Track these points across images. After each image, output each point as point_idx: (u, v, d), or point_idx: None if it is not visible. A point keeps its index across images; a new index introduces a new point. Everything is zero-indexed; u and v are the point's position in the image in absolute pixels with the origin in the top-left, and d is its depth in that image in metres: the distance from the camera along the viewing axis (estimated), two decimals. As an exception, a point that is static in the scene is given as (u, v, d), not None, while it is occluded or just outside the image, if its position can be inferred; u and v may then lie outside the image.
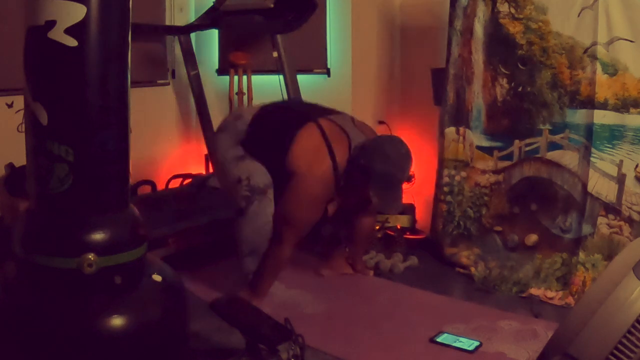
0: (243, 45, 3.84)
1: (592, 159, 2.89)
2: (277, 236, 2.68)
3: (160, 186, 3.75)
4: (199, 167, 4.00)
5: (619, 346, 1.38)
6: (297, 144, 2.67)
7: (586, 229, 2.90)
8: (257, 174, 2.72)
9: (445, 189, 3.36)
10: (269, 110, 2.87)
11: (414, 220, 3.78)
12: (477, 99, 3.27)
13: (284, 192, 2.67)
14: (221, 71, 3.98)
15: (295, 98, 3.51)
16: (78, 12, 1.79)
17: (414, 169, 3.96)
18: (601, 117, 2.87)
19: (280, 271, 2.79)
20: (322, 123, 2.73)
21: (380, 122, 4.38)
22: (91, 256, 1.85)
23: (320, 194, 2.67)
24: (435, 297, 2.90)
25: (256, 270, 2.74)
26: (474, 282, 3.06)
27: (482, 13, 3.21)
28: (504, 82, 3.18)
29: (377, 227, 3.58)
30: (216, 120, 3.85)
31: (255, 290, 2.74)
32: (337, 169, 2.65)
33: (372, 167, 2.60)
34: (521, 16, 3.09)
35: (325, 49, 3.93)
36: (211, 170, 3.89)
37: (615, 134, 2.86)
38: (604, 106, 2.87)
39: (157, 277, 2.02)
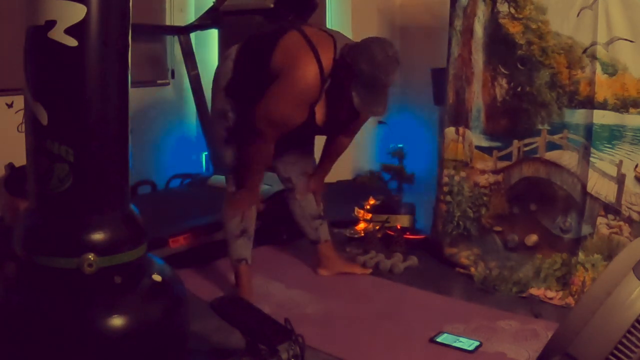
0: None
1: (591, 159, 2.89)
2: (257, 133, 2.59)
3: (160, 186, 3.75)
4: (199, 167, 4.00)
5: (619, 346, 1.38)
6: (280, 48, 2.60)
7: (586, 229, 2.90)
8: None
9: (445, 189, 3.36)
10: (252, 36, 2.83)
11: (414, 220, 3.78)
12: (476, 99, 3.27)
13: (269, 89, 2.57)
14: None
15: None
16: (78, 12, 1.79)
17: (414, 168, 3.99)
18: (601, 117, 2.87)
19: (263, 168, 2.72)
20: (305, 29, 2.67)
21: (380, 122, 4.39)
22: (91, 256, 1.85)
23: (303, 93, 2.57)
24: (435, 297, 2.90)
25: (240, 172, 2.72)
26: (474, 282, 3.05)
27: (482, 13, 3.21)
28: (503, 82, 3.18)
29: (377, 227, 3.58)
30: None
31: (244, 190, 2.72)
32: (322, 70, 2.58)
33: (357, 66, 2.52)
34: (521, 16, 3.08)
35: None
36: (211, 170, 3.90)
37: (614, 134, 2.86)
38: (603, 106, 2.87)
39: (157, 277, 2.03)
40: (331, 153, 3.03)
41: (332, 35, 2.67)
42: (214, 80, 2.83)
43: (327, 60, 2.58)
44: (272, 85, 2.56)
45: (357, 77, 2.51)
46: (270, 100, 2.56)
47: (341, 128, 2.91)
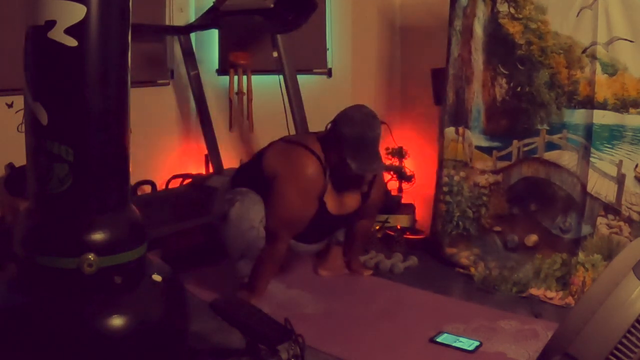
0: (243, 45, 3.84)
1: (591, 159, 2.89)
2: (270, 234, 2.69)
3: (160, 186, 3.75)
4: (199, 167, 4.00)
5: (619, 346, 1.39)
6: (269, 152, 2.78)
7: (586, 229, 2.90)
8: (240, 177, 2.84)
9: (445, 189, 3.37)
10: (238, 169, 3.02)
11: (414, 220, 3.78)
12: (476, 99, 3.27)
13: (271, 193, 2.68)
14: (221, 71, 3.98)
15: None
16: (78, 12, 1.79)
17: (414, 168, 3.98)
18: (601, 117, 2.87)
19: (276, 269, 2.81)
20: (286, 138, 2.88)
21: (380, 122, 4.37)
22: (91, 256, 1.85)
23: (308, 187, 2.69)
24: (435, 297, 2.90)
25: (252, 269, 2.74)
26: (474, 282, 3.06)
27: (481, 13, 3.21)
28: (503, 82, 3.18)
29: (377, 227, 3.58)
30: (216, 120, 3.86)
31: (253, 289, 2.74)
32: (318, 158, 2.71)
33: (341, 132, 2.67)
34: (520, 16, 3.09)
35: (326, 49, 3.93)
36: (211, 170, 3.90)
37: (614, 134, 2.86)
38: (603, 106, 2.87)
39: (157, 277, 2.03)
40: (356, 238, 3.12)
41: (312, 132, 2.89)
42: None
43: (317, 148, 2.73)
44: (273, 187, 2.67)
45: (345, 143, 2.66)
46: (276, 202, 2.66)
47: (356, 213, 2.96)
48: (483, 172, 3.27)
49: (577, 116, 2.96)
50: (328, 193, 2.76)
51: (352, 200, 2.87)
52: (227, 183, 2.92)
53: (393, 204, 3.80)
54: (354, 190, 2.86)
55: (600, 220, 2.87)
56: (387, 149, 3.91)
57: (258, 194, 2.72)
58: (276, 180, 2.67)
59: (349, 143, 2.65)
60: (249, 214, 2.68)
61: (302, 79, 3.65)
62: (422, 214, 3.76)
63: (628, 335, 1.38)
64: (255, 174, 2.76)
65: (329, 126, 2.75)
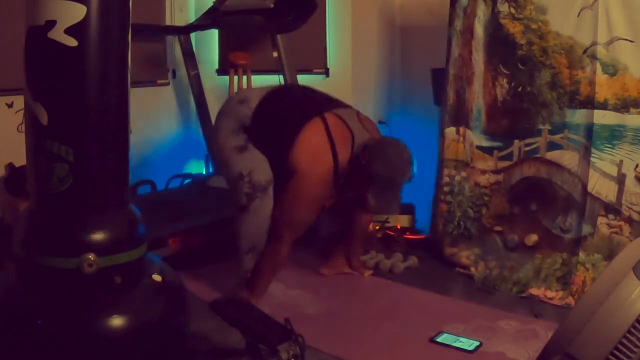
0: (243, 45, 3.84)
1: (592, 159, 2.88)
2: (274, 235, 2.68)
3: (160, 186, 3.75)
4: (199, 167, 4.00)
5: (619, 346, 1.38)
6: (301, 141, 2.65)
7: (586, 229, 2.89)
8: (259, 169, 2.70)
9: (445, 189, 3.36)
10: (276, 98, 2.82)
11: (414, 220, 3.78)
12: (477, 99, 3.27)
13: (284, 190, 2.66)
14: (221, 71, 3.98)
15: (303, 85, 3.38)
16: (78, 12, 1.79)
17: (414, 168, 3.98)
18: (601, 117, 2.87)
19: (278, 270, 2.79)
20: (328, 118, 2.71)
21: (381, 122, 4.38)
22: (91, 256, 1.85)
23: (319, 194, 2.67)
24: (435, 297, 2.90)
25: (254, 269, 2.74)
26: (474, 282, 3.05)
27: (482, 13, 3.21)
28: (504, 82, 3.18)
29: (377, 227, 3.58)
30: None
31: (254, 289, 2.74)
32: (337, 169, 2.66)
33: (373, 169, 2.61)
34: (521, 16, 3.08)
35: (325, 49, 3.93)
36: (211, 170, 3.90)
37: (615, 134, 2.86)
38: (603, 106, 2.87)
39: (157, 277, 2.03)
40: (356, 234, 3.12)
41: (352, 129, 2.73)
42: (221, 113, 2.83)
43: (344, 157, 2.67)
44: (288, 184, 2.63)
45: (373, 180, 2.61)
46: (290, 208, 2.65)
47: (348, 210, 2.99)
48: (484, 172, 3.27)
49: (578, 116, 2.96)
50: (329, 198, 2.78)
51: (346, 201, 2.87)
52: (234, 126, 2.76)
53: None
54: (352, 198, 2.88)
55: (600, 220, 2.87)
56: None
57: (274, 170, 2.69)
58: (294, 178, 2.62)
59: (377, 182, 2.61)
60: (267, 209, 2.69)
61: (302, 78, 3.66)
62: (422, 214, 3.76)
63: (628, 335, 1.38)
64: (281, 156, 2.66)
65: (362, 150, 2.66)
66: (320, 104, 2.79)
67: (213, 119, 3.80)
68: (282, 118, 2.74)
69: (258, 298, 2.70)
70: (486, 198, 3.26)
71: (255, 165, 2.70)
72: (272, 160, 2.71)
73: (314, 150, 2.65)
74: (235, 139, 2.72)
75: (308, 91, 2.98)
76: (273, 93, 2.83)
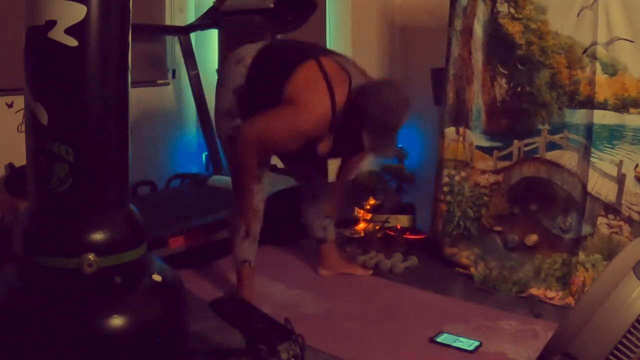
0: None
1: (591, 159, 2.89)
2: (241, 142, 2.55)
3: (160, 186, 3.75)
4: (199, 167, 4.00)
5: (619, 346, 1.38)
6: (295, 78, 2.58)
7: (586, 229, 2.90)
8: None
9: (445, 189, 3.36)
10: (270, 50, 2.78)
11: (414, 220, 3.78)
12: (476, 99, 3.27)
13: (274, 109, 2.55)
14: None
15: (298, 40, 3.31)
16: (78, 12, 1.79)
17: (414, 168, 3.99)
18: (601, 117, 2.87)
19: (254, 172, 2.66)
20: (324, 61, 2.65)
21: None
22: (91, 256, 1.85)
23: (308, 130, 2.57)
24: (435, 297, 2.90)
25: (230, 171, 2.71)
26: (474, 282, 3.05)
27: (481, 13, 3.21)
28: (503, 82, 3.18)
29: (377, 227, 3.58)
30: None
31: (240, 190, 2.68)
32: (334, 109, 2.58)
33: (369, 109, 2.53)
34: (520, 16, 3.08)
35: (325, 49, 3.93)
36: (211, 170, 3.90)
37: (615, 134, 2.86)
38: (603, 106, 2.87)
39: (157, 277, 2.03)
40: (344, 171, 3.09)
41: (348, 72, 2.67)
42: (220, 79, 2.80)
43: (341, 98, 2.59)
44: (279, 106, 2.54)
45: (368, 121, 2.53)
46: (268, 120, 2.54)
47: (345, 156, 2.94)
48: (484, 172, 3.27)
49: (577, 116, 2.96)
50: (325, 140, 2.66)
51: (342, 149, 2.79)
52: (229, 103, 2.70)
53: (393, 204, 3.81)
54: (348, 144, 2.75)
55: (600, 220, 2.87)
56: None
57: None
58: (287, 106, 2.54)
59: (372, 124, 2.52)
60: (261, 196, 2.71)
61: (302, 79, 3.65)
62: (422, 214, 3.76)
63: (628, 335, 1.38)
64: (272, 99, 2.58)
65: (357, 92, 2.57)
66: (315, 51, 2.74)
67: (213, 120, 3.81)
68: (275, 65, 2.69)
69: (249, 198, 2.67)
70: (486, 198, 3.25)
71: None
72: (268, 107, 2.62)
73: (311, 85, 2.58)
74: (230, 124, 2.69)
75: (302, 42, 2.94)
76: (267, 46, 2.81)
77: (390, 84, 2.71)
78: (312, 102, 2.55)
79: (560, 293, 2.84)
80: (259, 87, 2.67)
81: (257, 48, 2.77)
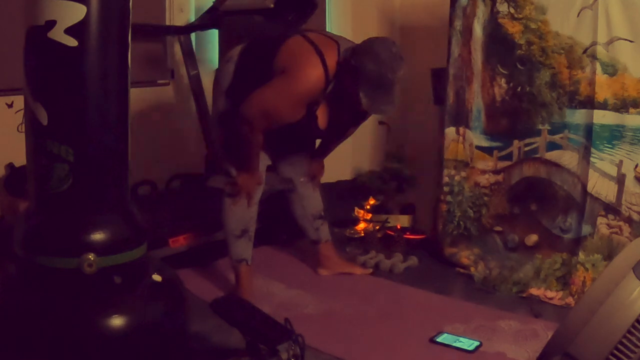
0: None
1: (591, 159, 2.89)
2: (246, 120, 2.56)
3: (160, 186, 3.75)
4: (199, 167, 4.00)
5: (619, 346, 1.38)
6: (284, 49, 2.60)
7: (586, 229, 2.90)
8: None
9: (445, 189, 3.36)
10: (255, 41, 2.81)
11: (414, 220, 3.78)
12: (477, 99, 3.27)
13: (267, 81, 2.56)
14: (221, 71, 3.97)
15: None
16: (78, 12, 1.79)
17: (414, 168, 3.99)
18: (601, 117, 2.88)
19: (257, 149, 2.68)
20: (309, 34, 2.67)
21: (381, 123, 4.39)
22: (91, 256, 1.85)
23: (306, 93, 2.57)
24: (435, 297, 2.90)
25: (232, 161, 2.72)
26: (474, 282, 3.06)
27: (481, 13, 3.21)
28: (503, 82, 3.18)
29: (377, 227, 3.58)
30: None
31: (247, 169, 2.70)
32: (327, 73, 2.58)
33: (363, 66, 2.52)
34: (520, 16, 3.09)
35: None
36: (211, 170, 3.90)
37: (614, 134, 2.86)
38: (603, 106, 2.87)
39: (157, 277, 2.03)
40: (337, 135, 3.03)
41: (336, 40, 2.67)
42: (214, 82, 2.83)
43: (332, 63, 2.58)
44: (275, 78, 2.55)
45: (363, 78, 2.51)
46: (268, 92, 2.54)
47: (342, 132, 2.92)
48: (484, 172, 3.27)
49: (577, 116, 2.96)
50: (321, 109, 2.67)
51: (342, 119, 2.80)
52: (222, 107, 2.74)
53: (393, 204, 3.79)
54: (347, 112, 2.77)
55: (600, 220, 2.87)
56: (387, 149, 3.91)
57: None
58: (281, 75, 2.55)
59: (367, 80, 2.51)
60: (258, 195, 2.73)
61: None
62: (422, 214, 3.76)
63: (628, 335, 1.38)
64: (264, 76, 2.59)
65: (350, 52, 2.58)
66: (300, 30, 2.77)
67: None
68: (262, 49, 2.70)
69: (252, 178, 2.70)
70: (486, 198, 3.26)
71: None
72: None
73: (300, 53, 2.59)
74: (225, 125, 2.72)
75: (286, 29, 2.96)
76: (252, 40, 2.83)
77: (382, 39, 2.68)
78: (303, 65, 2.55)
79: (560, 293, 2.84)
80: (249, 70, 2.68)
81: (244, 44, 2.80)
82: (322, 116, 2.68)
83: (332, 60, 2.59)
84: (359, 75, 2.52)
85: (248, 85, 2.63)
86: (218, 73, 2.83)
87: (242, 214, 2.75)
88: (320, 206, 3.11)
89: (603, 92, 2.86)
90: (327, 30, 3.93)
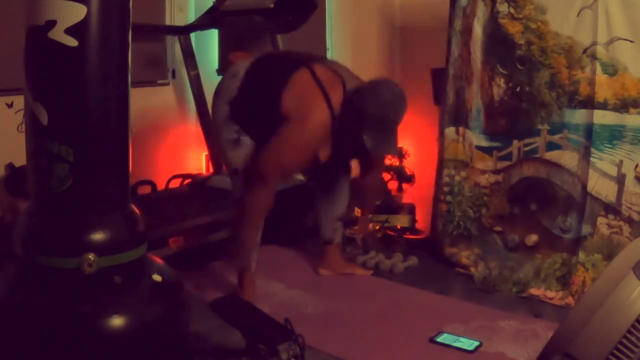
0: (243, 45, 3.84)
1: (591, 159, 2.89)
2: (258, 177, 2.59)
3: (160, 186, 3.75)
4: (199, 167, 4.00)
5: (619, 346, 1.38)
6: (290, 89, 2.62)
7: (586, 229, 2.90)
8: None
9: (445, 189, 3.36)
10: (261, 62, 2.81)
11: (414, 220, 3.78)
12: (476, 99, 3.27)
13: (277, 133, 2.58)
14: (221, 71, 3.97)
15: (290, 50, 3.40)
16: (78, 12, 1.79)
17: (414, 168, 3.99)
18: (601, 117, 2.88)
19: (263, 217, 2.69)
20: (315, 68, 2.68)
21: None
22: (91, 256, 1.85)
23: (315, 139, 2.61)
24: (435, 297, 2.90)
25: (236, 219, 2.72)
26: (474, 282, 3.05)
27: (481, 13, 3.21)
28: (502, 82, 3.18)
29: (377, 227, 3.58)
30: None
31: (239, 242, 2.71)
32: (332, 113, 2.60)
33: (366, 109, 2.56)
34: (520, 16, 3.09)
35: (326, 49, 3.93)
36: (211, 170, 3.90)
37: (615, 134, 2.86)
38: (603, 106, 2.87)
39: (157, 277, 2.03)
40: (366, 193, 3.15)
41: (341, 75, 2.70)
42: (216, 93, 2.83)
43: (337, 101, 2.62)
44: (281, 129, 2.57)
45: (367, 121, 2.56)
46: (280, 149, 2.58)
47: (343, 163, 3.00)
48: (483, 172, 3.27)
49: (577, 116, 2.96)
50: (325, 144, 2.70)
51: (343, 154, 2.82)
52: (225, 113, 2.74)
53: (393, 204, 3.80)
54: (349, 148, 2.80)
55: (600, 220, 2.87)
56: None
57: (266, 135, 2.62)
58: (287, 122, 2.57)
59: (371, 121, 2.55)
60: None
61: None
62: (422, 214, 3.76)
63: (628, 335, 1.38)
64: (268, 109, 2.62)
65: (353, 94, 2.61)
66: (307, 59, 2.77)
67: (214, 129, 3.81)
68: (267, 77, 2.72)
69: (243, 259, 2.70)
70: (486, 198, 3.26)
71: (249, 160, 2.68)
72: (261, 127, 2.65)
73: (306, 95, 2.61)
74: (229, 130, 2.72)
75: (294, 52, 2.97)
76: (260, 58, 2.83)
77: (384, 81, 2.73)
78: (310, 111, 2.58)
79: (560, 293, 2.84)
80: (254, 95, 2.70)
81: (251, 62, 2.81)
82: (323, 152, 2.72)
83: (337, 99, 2.62)
84: (363, 118, 2.56)
85: (252, 113, 2.68)
86: (221, 86, 2.83)
87: (249, 230, 2.74)
88: (344, 209, 3.13)
89: (603, 92, 2.86)
90: (326, 31, 3.93)
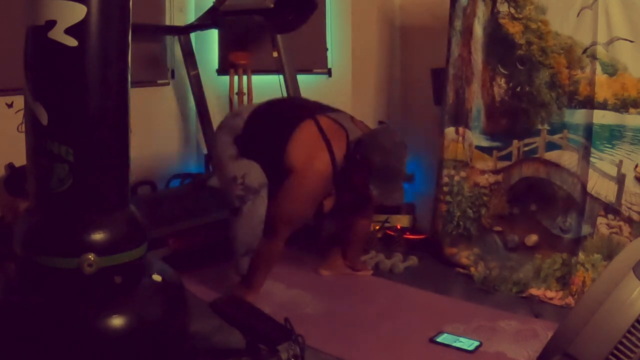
0: (243, 45, 3.84)
1: (591, 159, 2.89)
2: (270, 230, 2.69)
3: (160, 186, 3.75)
4: (199, 167, 4.00)
5: (619, 346, 1.38)
6: (295, 140, 2.69)
7: (586, 229, 2.90)
8: (252, 173, 2.73)
9: (445, 189, 3.37)
10: (266, 108, 2.88)
11: (414, 220, 3.78)
12: (476, 99, 3.27)
13: (282, 187, 2.67)
14: (221, 71, 3.98)
15: (294, 96, 3.51)
16: (78, 12, 1.79)
17: (414, 168, 3.98)
18: (601, 117, 2.87)
19: (273, 265, 2.80)
20: (320, 120, 2.75)
21: (381, 122, 4.38)
22: (91, 256, 1.85)
23: (318, 189, 2.70)
24: (435, 297, 2.90)
25: (250, 265, 2.75)
26: (474, 282, 3.05)
27: (481, 13, 3.21)
28: (502, 82, 3.18)
29: (377, 227, 3.58)
30: (216, 120, 3.85)
31: (249, 285, 2.76)
32: (335, 164, 2.68)
33: (369, 160, 2.63)
34: (520, 16, 3.09)
35: (326, 49, 3.93)
36: (211, 170, 3.90)
37: (614, 134, 2.86)
38: (603, 106, 2.87)
39: (157, 277, 2.03)
40: (356, 238, 3.13)
41: (345, 128, 2.77)
42: (220, 127, 2.92)
43: (340, 153, 2.69)
44: (286, 182, 2.65)
45: (371, 171, 2.62)
46: (286, 203, 2.66)
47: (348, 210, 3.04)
48: (483, 172, 3.27)
49: (577, 116, 2.96)
50: (328, 195, 2.80)
51: (346, 202, 2.90)
52: (228, 142, 2.82)
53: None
54: (352, 196, 2.89)
55: (600, 220, 2.87)
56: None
57: (268, 176, 2.72)
58: (291, 175, 2.65)
59: (376, 172, 2.63)
60: (260, 211, 2.71)
61: (302, 78, 3.65)
62: (422, 214, 3.76)
63: (628, 335, 1.38)
64: (274, 158, 2.70)
65: (355, 146, 2.69)
66: (312, 109, 2.84)
67: (213, 119, 3.82)
68: (272, 125, 2.79)
69: (254, 295, 2.72)
70: (486, 198, 3.26)
71: (249, 170, 2.74)
72: (265, 167, 2.74)
73: (309, 147, 2.68)
74: (231, 148, 2.79)
75: (298, 100, 3.08)
76: (265, 104, 2.90)
77: (384, 130, 2.80)
78: (313, 163, 2.66)
79: (560, 293, 2.84)
80: (259, 135, 2.77)
81: (255, 105, 2.90)
82: (327, 204, 2.84)
83: (340, 150, 2.69)
84: (368, 169, 2.63)
85: (256, 150, 2.75)
86: (224, 123, 2.91)
87: (248, 234, 2.76)
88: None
89: (603, 92, 2.86)
90: (326, 31, 3.93)
